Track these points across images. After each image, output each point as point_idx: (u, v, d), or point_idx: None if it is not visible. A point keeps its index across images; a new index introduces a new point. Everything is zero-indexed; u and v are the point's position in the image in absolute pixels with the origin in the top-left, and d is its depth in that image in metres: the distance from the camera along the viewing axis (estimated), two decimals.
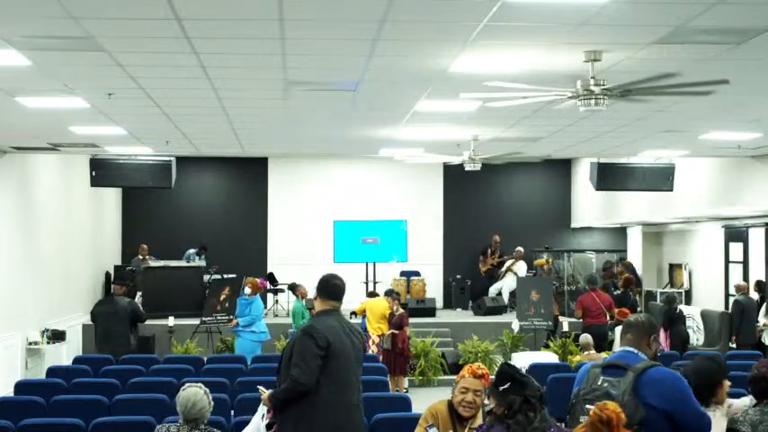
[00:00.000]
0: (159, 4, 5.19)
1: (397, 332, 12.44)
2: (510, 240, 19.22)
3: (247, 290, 12.66)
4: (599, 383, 4.20)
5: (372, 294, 15.05)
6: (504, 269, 18.74)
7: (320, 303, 5.71)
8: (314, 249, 18.96)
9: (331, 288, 5.69)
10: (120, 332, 10.93)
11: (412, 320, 13.60)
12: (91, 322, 12.51)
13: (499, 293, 18.29)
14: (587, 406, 4.08)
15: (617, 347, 12.42)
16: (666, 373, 4.23)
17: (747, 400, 5.11)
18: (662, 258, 19.80)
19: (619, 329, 12.42)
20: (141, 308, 11.46)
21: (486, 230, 19.62)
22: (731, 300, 14.80)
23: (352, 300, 16.54)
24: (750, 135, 10.86)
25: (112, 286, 11.47)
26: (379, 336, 12.59)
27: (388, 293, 12.92)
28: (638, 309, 15.49)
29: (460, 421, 4.95)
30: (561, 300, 17.57)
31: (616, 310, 13.10)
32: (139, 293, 12.22)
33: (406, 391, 12.16)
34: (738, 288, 14.46)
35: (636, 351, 4.29)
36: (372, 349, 12.52)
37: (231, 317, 13.21)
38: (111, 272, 18.04)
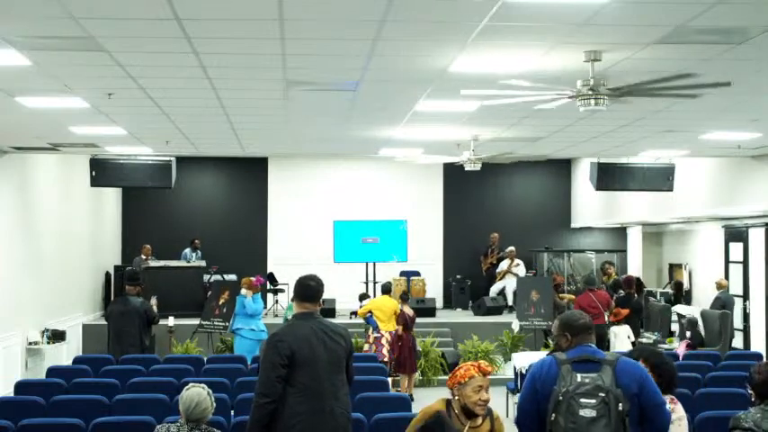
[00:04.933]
0: (159, 4, 5.19)
1: (406, 331, 12.46)
2: (510, 241, 19.22)
3: (243, 291, 12.65)
4: (579, 379, 4.27)
5: (364, 297, 15.05)
6: (503, 271, 18.73)
7: (296, 306, 5.63)
8: (314, 249, 18.96)
9: (306, 290, 5.57)
10: (131, 332, 10.91)
11: None
12: (99, 322, 12.48)
13: (500, 293, 18.29)
14: (582, 400, 4.19)
15: (614, 347, 12.43)
16: (632, 361, 4.54)
17: None
18: (662, 258, 19.80)
19: (615, 329, 12.53)
20: (155, 309, 11.43)
21: (486, 230, 19.64)
22: (733, 299, 14.83)
23: (352, 300, 16.69)
24: (750, 135, 10.86)
25: (126, 287, 11.44)
26: (390, 333, 12.57)
27: (404, 299, 12.92)
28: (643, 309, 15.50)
29: (461, 421, 4.92)
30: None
31: (614, 310, 13.08)
32: (154, 297, 12.22)
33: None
34: (719, 285, 14.58)
35: (593, 346, 4.52)
36: (386, 348, 12.48)
37: (226, 324, 13.18)
38: (112, 272, 18.05)
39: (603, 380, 4.25)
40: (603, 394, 4.21)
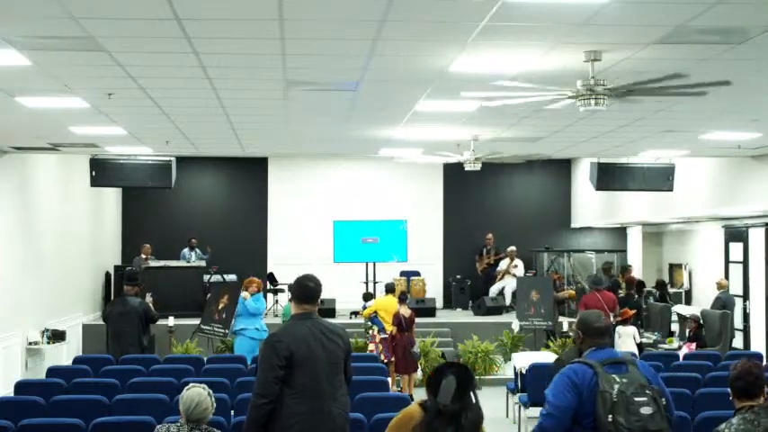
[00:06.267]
0: (159, 4, 5.19)
1: (400, 332, 12.42)
2: (510, 241, 19.22)
3: (243, 294, 12.56)
4: (618, 379, 4.45)
5: (369, 296, 15.01)
6: (501, 271, 18.73)
7: (294, 307, 5.60)
8: (314, 249, 18.96)
9: (304, 291, 5.52)
10: (130, 332, 10.90)
11: None
12: (100, 322, 12.48)
13: (500, 293, 18.30)
14: (637, 399, 4.38)
15: (618, 348, 12.39)
16: (641, 360, 4.82)
17: None
18: (662, 258, 19.81)
19: (620, 329, 12.51)
20: (152, 308, 11.41)
21: (486, 230, 19.64)
22: (733, 299, 14.84)
23: (352, 300, 16.69)
24: (750, 135, 10.86)
25: (124, 287, 11.42)
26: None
27: (402, 299, 12.81)
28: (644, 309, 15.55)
29: None
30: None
31: (621, 311, 13.05)
32: (149, 294, 12.19)
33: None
34: (719, 285, 14.59)
35: (610, 347, 4.77)
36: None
37: (226, 330, 13.12)
38: (112, 272, 18.05)
39: (639, 378, 4.47)
40: (650, 391, 4.43)
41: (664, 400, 4.44)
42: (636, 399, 4.37)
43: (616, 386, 4.41)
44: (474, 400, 4.30)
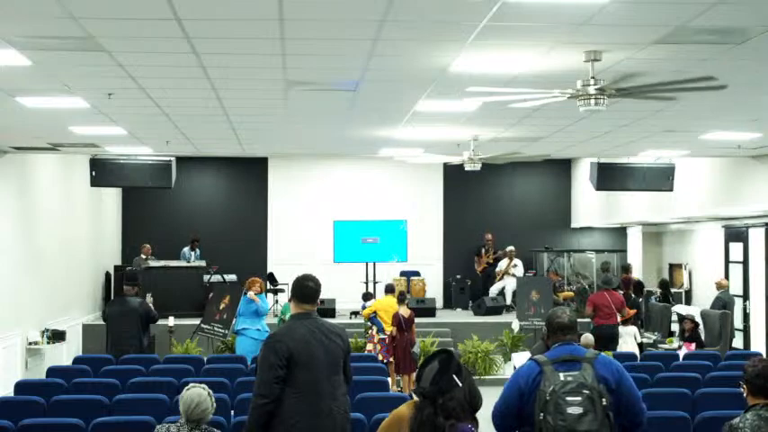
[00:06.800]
0: (159, 4, 5.19)
1: (400, 332, 12.41)
2: (510, 241, 19.22)
3: (250, 294, 12.51)
4: (562, 378, 4.45)
5: (369, 296, 15.01)
6: (501, 271, 18.72)
7: (294, 307, 5.63)
8: (314, 249, 18.97)
9: (304, 291, 5.55)
10: (130, 333, 10.90)
11: None
12: (100, 322, 12.49)
13: (500, 293, 18.29)
14: (568, 398, 4.38)
15: (621, 347, 12.36)
16: (609, 358, 4.74)
17: None
18: (662, 258, 19.80)
19: (620, 329, 12.52)
20: (152, 308, 11.40)
21: (486, 230, 19.64)
22: (733, 299, 14.84)
23: (352, 300, 16.68)
24: (750, 135, 10.86)
25: (124, 287, 11.40)
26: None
27: (401, 299, 12.76)
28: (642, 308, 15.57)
29: None
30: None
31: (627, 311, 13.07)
32: (149, 294, 12.18)
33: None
34: (719, 285, 14.59)
35: (576, 344, 4.71)
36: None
37: (226, 331, 13.12)
38: (112, 272, 18.05)
39: (585, 377, 4.44)
40: (588, 391, 4.40)
41: (604, 400, 4.39)
42: (567, 398, 4.37)
43: (555, 385, 4.42)
44: (460, 384, 4.32)
